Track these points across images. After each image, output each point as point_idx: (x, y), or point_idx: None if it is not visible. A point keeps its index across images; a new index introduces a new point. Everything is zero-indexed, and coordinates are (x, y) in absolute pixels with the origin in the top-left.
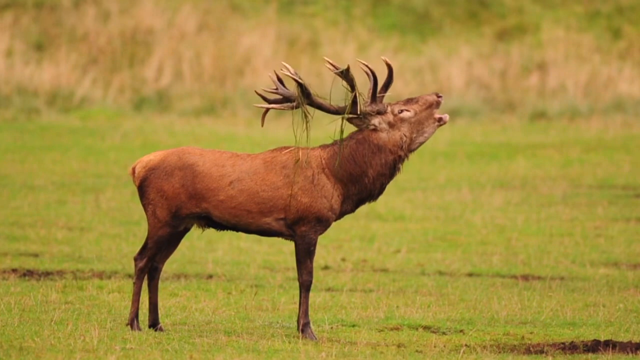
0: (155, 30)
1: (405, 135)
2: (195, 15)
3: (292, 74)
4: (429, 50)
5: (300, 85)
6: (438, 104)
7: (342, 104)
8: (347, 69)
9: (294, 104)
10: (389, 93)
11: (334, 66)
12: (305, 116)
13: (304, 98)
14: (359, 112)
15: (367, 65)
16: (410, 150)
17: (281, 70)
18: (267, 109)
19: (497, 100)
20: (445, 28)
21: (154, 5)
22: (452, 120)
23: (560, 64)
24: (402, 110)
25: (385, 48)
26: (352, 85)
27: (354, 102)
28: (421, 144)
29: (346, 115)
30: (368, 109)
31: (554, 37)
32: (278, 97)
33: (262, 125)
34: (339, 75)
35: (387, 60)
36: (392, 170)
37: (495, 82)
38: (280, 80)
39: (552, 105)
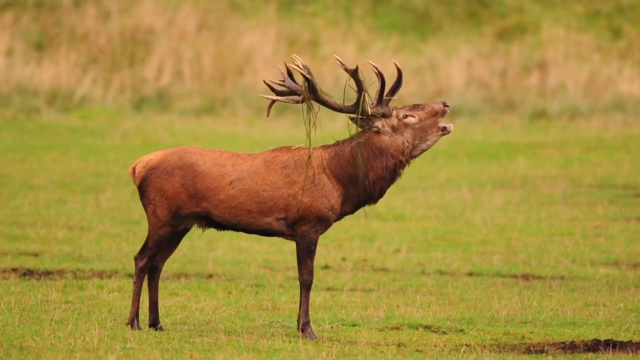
0: (155, 29)
1: (407, 141)
2: (195, 14)
3: (301, 67)
4: (429, 50)
5: (308, 80)
6: (444, 113)
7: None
8: (356, 69)
9: (300, 97)
10: (395, 97)
11: (343, 65)
12: (309, 111)
13: (310, 93)
14: (363, 113)
15: (376, 67)
16: (412, 157)
17: (291, 63)
18: (273, 101)
19: (497, 100)
20: (445, 28)
21: (154, 4)
22: (452, 120)
23: (560, 64)
24: (407, 116)
25: (385, 48)
26: (359, 86)
27: (359, 102)
28: (423, 151)
29: (356, 116)
30: (373, 110)
31: (554, 37)
32: (285, 89)
33: (268, 116)
34: (348, 72)
35: (398, 64)
36: (392, 174)
37: (495, 82)
38: (289, 73)
39: (552, 105)
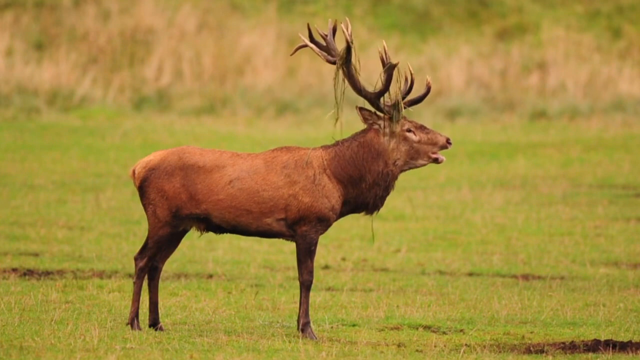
0: (155, 29)
1: (400, 153)
2: (195, 14)
3: (347, 33)
4: (429, 50)
5: (349, 48)
6: (443, 147)
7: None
8: (394, 66)
9: (332, 58)
10: (410, 109)
11: (386, 55)
12: (337, 77)
13: (344, 60)
14: (376, 106)
15: (412, 73)
16: (401, 170)
17: (341, 24)
18: (304, 45)
19: (497, 100)
20: (445, 27)
21: (154, 4)
22: (453, 120)
23: (560, 64)
24: (410, 130)
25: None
26: (388, 80)
27: (381, 94)
28: (410, 168)
29: (365, 107)
30: (386, 109)
31: (554, 37)
32: (322, 43)
33: (291, 55)
34: (384, 65)
35: (430, 81)
36: (386, 182)
37: (496, 82)
38: (334, 32)
39: (552, 105)
